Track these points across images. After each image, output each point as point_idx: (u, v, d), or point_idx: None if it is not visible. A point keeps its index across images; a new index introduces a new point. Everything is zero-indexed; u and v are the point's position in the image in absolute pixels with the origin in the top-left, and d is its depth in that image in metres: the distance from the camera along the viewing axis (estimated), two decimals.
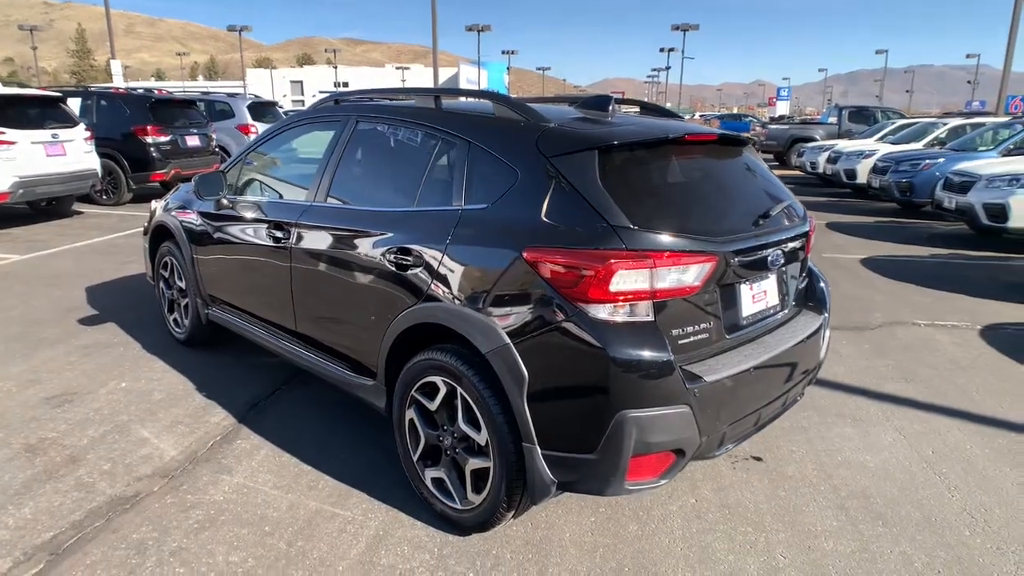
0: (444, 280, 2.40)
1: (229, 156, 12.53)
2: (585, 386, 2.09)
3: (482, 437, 2.35)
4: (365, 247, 2.75)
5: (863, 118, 19.15)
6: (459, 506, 2.51)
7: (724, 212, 2.46)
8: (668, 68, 57.75)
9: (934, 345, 4.82)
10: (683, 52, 49.07)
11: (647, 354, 2.05)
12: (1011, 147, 10.41)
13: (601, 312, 2.07)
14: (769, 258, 2.48)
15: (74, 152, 8.59)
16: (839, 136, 18.50)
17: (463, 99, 3.05)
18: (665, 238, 2.13)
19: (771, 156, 20.31)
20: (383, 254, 2.64)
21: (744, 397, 2.35)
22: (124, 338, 4.58)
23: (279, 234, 3.21)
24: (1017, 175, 8.22)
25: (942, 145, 12.80)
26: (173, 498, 2.74)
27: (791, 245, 2.62)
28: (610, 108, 2.72)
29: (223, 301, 3.89)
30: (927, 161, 10.91)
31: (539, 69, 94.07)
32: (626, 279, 2.05)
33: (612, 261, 2.04)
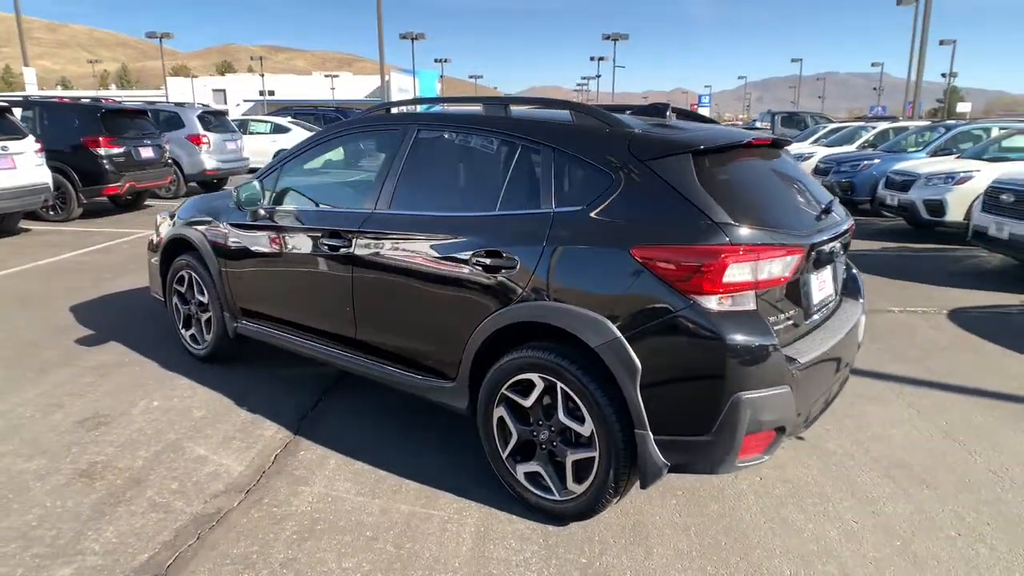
0: (544, 279, 2.49)
1: (181, 169, 12.16)
2: (701, 372, 2.23)
3: (586, 429, 2.45)
4: (445, 252, 2.81)
5: (794, 123, 20.27)
6: (558, 497, 2.60)
7: (795, 208, 2.66)
8: (599, 76, 59.15)
9: (914, 329, 5.23)
10: (614, 61, 50.45)
11: (757, 340, 2.22)
12: (938, 148, 11.32)
13: (713, 303, 2.22)
14: (831, 250, 2.70)
15: (25, 166, 8.12)
16: None
17: (521, 107, 3.15)
18: (763, 233, 2.31)
19: None
20: (469, 258, 2.70)
21: (821, 378, 2.56)
22: (134, 357, 4.41)
23: (336, 242, 3.21)
24: (952, 173, 8.98)
25: (872, 147, 13.77)
26: (258, 512, 2.71)
27: (845, 238, 2.86)
28: (668, 115, 2.89)
29: (258, 313, 3.83)
30: (865, 162, 11.71)
31: (471, 77, 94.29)
32: (736, 272, 2.22)
33: (724, 256, 2.19)
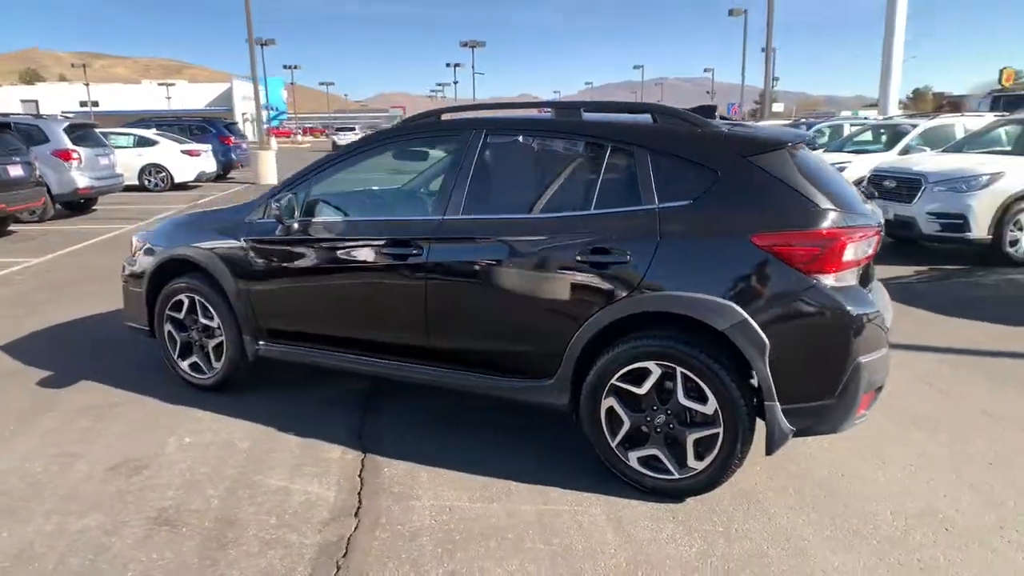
0: (662, 271, 2.65)
1: (49, 189, 10.76)
2: (827, 343, 2.50)
3: (709, 408, 2.64)
4: (544, 252, 2.87)
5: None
6: (676, 476, 2.76)
7: (854, 193, 3.02)
8: (456, 82, 59.76)
9: None
10: (473, 67, 51.13)
11: (868, 309, 2.53)
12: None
13: (831, 280, 2.50)
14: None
15: None
16: None
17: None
18: (856, 216, 2.62)
19: None
20: (574, 256, 2.79)
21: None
22: (123, 395, 3.97)
23: (404, 251, 3.15)
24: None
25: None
26: (384, 532, 2.62)
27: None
28: (716, 116, 3.16)
29: (291, 332, 3.63)
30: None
31: (322, 84, 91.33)
32: (849, 252, 2.51)
33: (843, 238, 2.48)
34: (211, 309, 3.80)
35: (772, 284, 2.52)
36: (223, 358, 3.86)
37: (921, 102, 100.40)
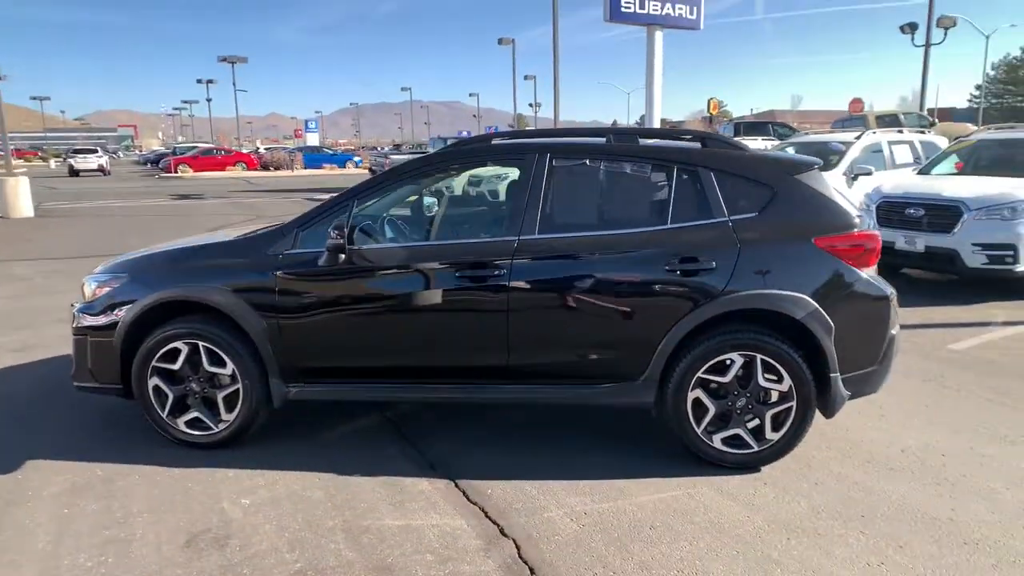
0: (744, 273, 3.10)
1: None
2: (873, 321, 3.17)
3: (784, 386, 3.16)
4: (632, 265, 3.17)
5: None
6: (756, 448, 3.23)
7: None
8: (210, 100, 55.07)
9: None
10: (235, 84, 47.70)
11: (891, 292, 3.24)
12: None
13: (871, 271, 3.17)
14: None
15: None
16: None
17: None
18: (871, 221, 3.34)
19: None
20: (663, 266, 3.13)
21: None
22: (108, 468, 3.34)
23: (483, 273, 3.20)
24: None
25: None
26: (549, 544, 2.70)
27: None
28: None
29: (336, 369, 3.41)
30: None
31: (34, 99, 77.63)
32: (879, 249, 3.20)
33: (877, 238, 3.16)
34: (223, 355, 3.40)
35: (832, 277, 3.12)
36: (238, 408, 3.46)
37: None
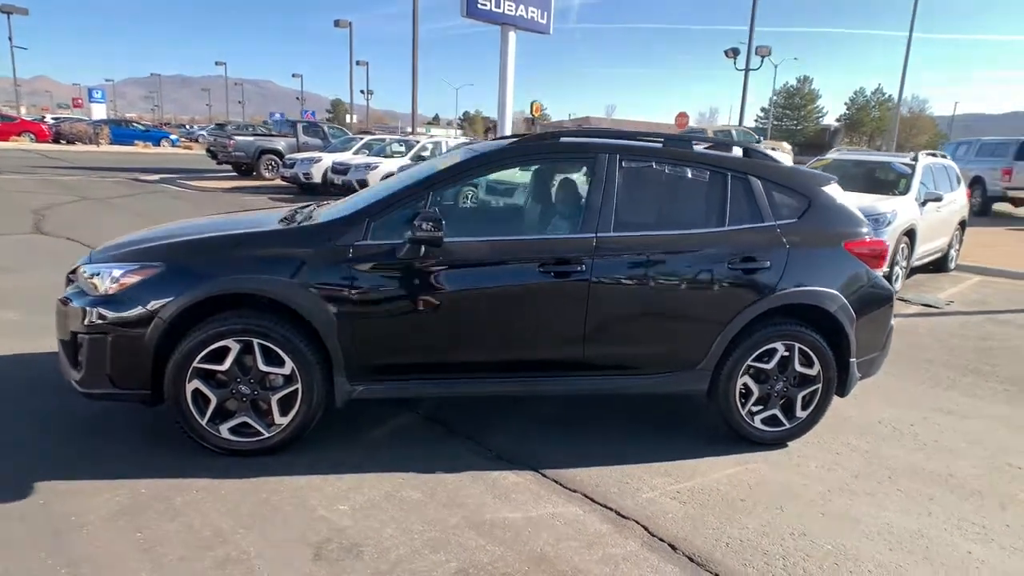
0: (793, 272, 3.52)
1: None
2: (882, 313, 3.75)
3: (814, 370, 3.65)
4: (699, 262, 3.45)
5: (315, 133, 21.54)
6: (788, 426, 3.69)
7: None
8: None
9: None
10: (11, 39, 40.57)
11: (893, 290, 3.86)
12: None
13: (881, 272, 3.76)
14: None
15: None
16: (298, 148, 20.37)
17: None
18: None
19: (226, 168, 20.64)
20: (726, 264, 3.45)
21: None
22: (150, 485, 2.92)
23: (567, 268, 3.30)
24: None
25: (421, 159, 16.44)
26: (676, 524, 2.89)
27: None
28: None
29: (408, 365, 3.30)
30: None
31: None
32: (886, 255, 3.81)
33: (885, 243, 3.75)
34: (282, 353, 3.13)
35: (854, 276, 3.65)
36: (296, 409, 3.21)
37: (473, 124, 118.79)
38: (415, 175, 3.65)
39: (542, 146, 3.56)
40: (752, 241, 3.54)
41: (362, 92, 55.05)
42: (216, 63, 69.94)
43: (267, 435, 3.21)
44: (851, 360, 3.68)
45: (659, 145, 3.69)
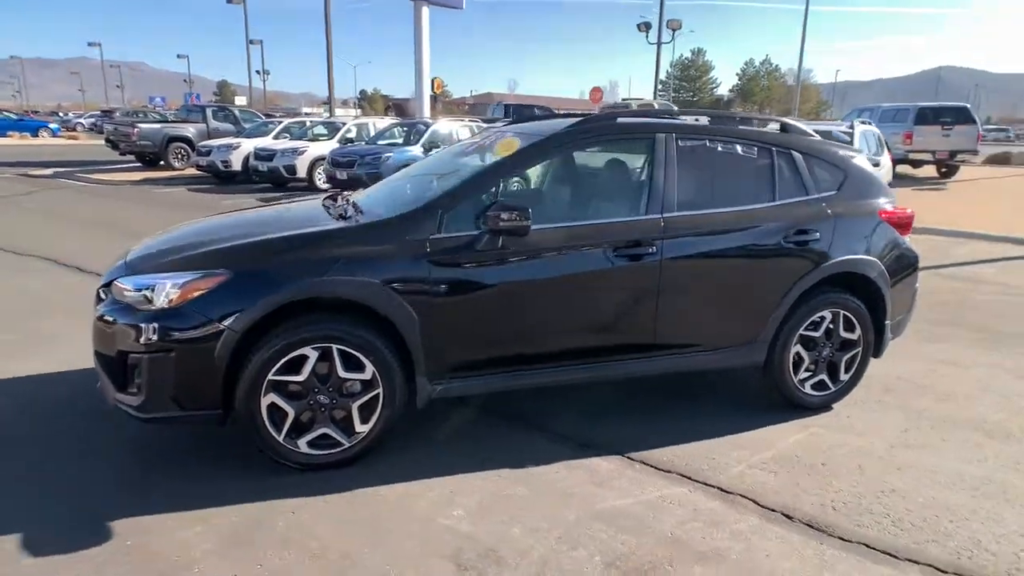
0: (839, 242, 3.67)
1: None
2: (909, 276, 3.97)
3: (856, 334, 3.84)
4: (758, 238, 3.53)
5: (226, 117, 20.27)
6: (834, 389, 3.87)
7: None
8: None
9: None
10: None
11: (918, 254, 4.09)
12: (429, 143, 14.29)
13: (909, 238, 3.97)
14: None
15: None
16: (209, 135, 19.12)
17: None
18: None
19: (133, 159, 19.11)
20: (782, 238, 3.55)
21: None
22: (238, 511, 2.69)
23: (640, 251, 3.29)
24: None
25: (348, 142, 15.87)
26: (781, 495, 2.98)
27: None
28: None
29: (486, 360, 3.20)
30: (385, 154, 13.73)
31: None
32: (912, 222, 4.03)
33: (913, 213, 3.98)
34: (363, 358, 2.96)
35: (890, 243, 3.84)
36: (376, 415, 3.05)
37: (372, 103, 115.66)
38: (465, 162, 3.52)
39: (603, 127, 3.50)
40: (802, 214, 3.65)
41: (258, 72, 52.14)
42: (89, 44, 64.18)
43: (347, 445, 3.04)
44: (886, 322, 3.90)
45: (707, 123, 3.73)
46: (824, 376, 3.82)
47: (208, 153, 16.54)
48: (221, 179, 16.89)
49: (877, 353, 3.97)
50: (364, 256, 2.97)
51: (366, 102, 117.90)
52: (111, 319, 2.88)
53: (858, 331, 3.80)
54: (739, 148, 3.68)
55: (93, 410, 3.46)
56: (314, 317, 2.92)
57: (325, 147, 15.61)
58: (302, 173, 15.22)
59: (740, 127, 3.81)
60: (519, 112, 25.42)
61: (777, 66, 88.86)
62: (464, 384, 3.21)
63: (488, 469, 3.10)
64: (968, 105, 17.51)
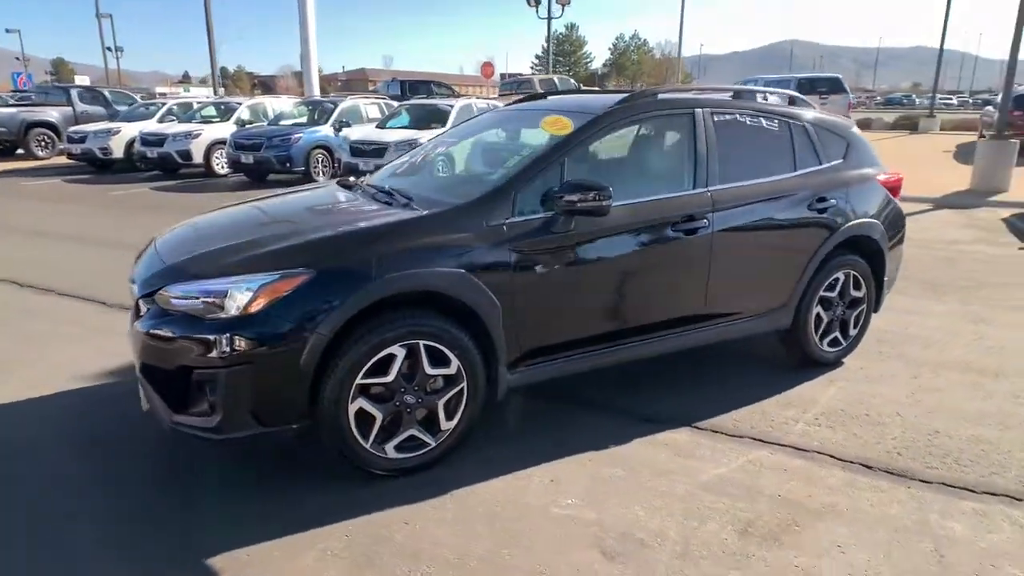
0: (851, 207, 3.91)
1: None
2: (902, 234, 4.30)
3: (862, 292, 4.13)
4: (787, 207, 3.69)
5: (95, 100, 18.27)
6: (844, 345, 4.15)
7: None
8: None
9: None
10: None
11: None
12: (340, 122, 13.62)
13: (898, 199, 4.30)
14: None
15: None
16: (76, 120, 17.19)
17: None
18: None
19: None
20: (806, 207, 3.74)
21: None
22: (349, 527, 2.49)
23: (695, 225, 3.35)
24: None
25: (244, 124, 14.81)
26: (851, 445, 3.17)
27: None
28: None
29: (556, 345, 3.15)
30: (295, 135, 12.95)
31: None
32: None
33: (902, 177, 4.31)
34: (448, 352, 2.82)
35: (887, 206, 4.14)
36: (461, 411, 2.92)
37: (237, 82, 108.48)
38: (499, 140, 3.42)
39: (649, 103, 3.49)
40: (820, 183, 3.85)
41: (109, 50, 47.23)
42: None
43: (433, 445, 2.89)
44: (885, 279, 4.22)
45: (728, 98, 3.83)
46: (837, 334, 4.09)
47: (82, 140, 14.88)
48: (99, 168, 15.30)
49: (876, 308, 4.29)
50: (447, 245, 2.80)
51: (231, 80, 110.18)
52: (168, 333, 2.54)
53: (863, 289, 4.09)
54: (763, 121, 3.81)
55: (117, 437, 3.06)
56: (399, 313, 2.73)
57: (221, 130, 14.50)
58: (198, 158, 14.08)
59: (760, 102, 3.94)
60: (415, 89, 24.90)
61: (646, 40, 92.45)
62: (540, 370, 3.13)
63: (572, 454, 3.07)
64: (840, 76, 19.09)
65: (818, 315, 3.95)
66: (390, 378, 2.72)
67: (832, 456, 3.08)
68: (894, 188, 4.25)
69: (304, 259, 2.61)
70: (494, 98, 15.94)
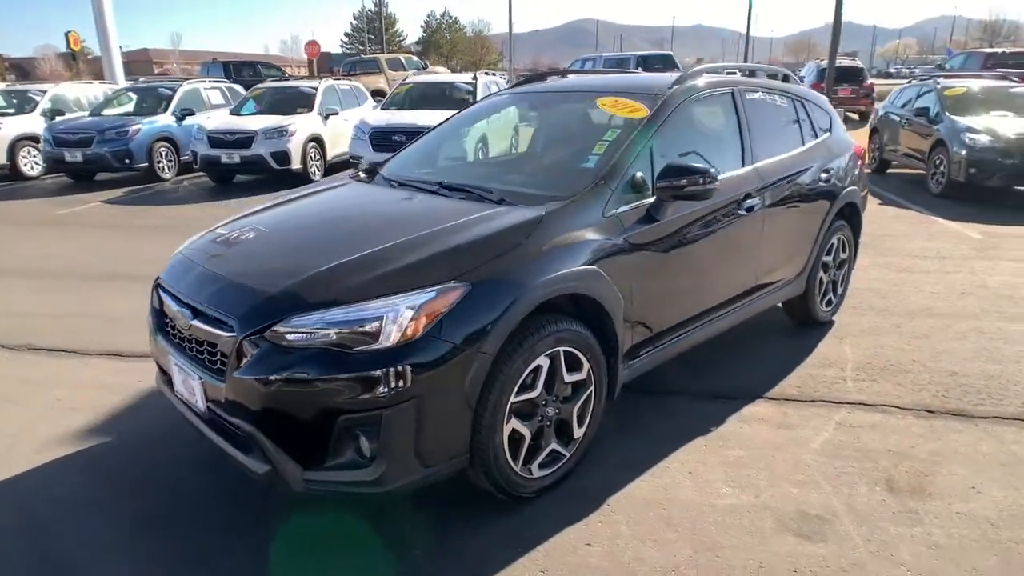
0: (845, 176, 4.24)
1: None
2: (866, 199, 4.75)
3: (847, 253, 4.52)
4: (807, 179, 3.91)
5: None
6: (836, 303, 4.54)
7: None
8: None
9: None
10: None
11: None
12: (182, 111, 12.08)
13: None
14: None
15: None
16: None
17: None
18: None
19: None
20: (819, 175, 3.99)
21: None
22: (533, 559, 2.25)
23: (753, 202, 3.44)
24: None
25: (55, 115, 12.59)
26: (893, 394, 3.45)
27: None
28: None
29: (656, 334, 3.07)
30: (132, 127, 11.24)
31: None
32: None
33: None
34: (581, 355, 2.64)
35: (861, 174, 4.54)
36: (589, 416, 2.76)
37: None
38: (555, 122, 3.33)
39: (703, 85, 3.45)
40: (823, 154, 4.13)
41: None
42: None
43: (567, 456, 2.70)
44: (859, 241, 4.66)
45: (739, 77, 3.95)
46: (831, 295, 4.45)
47: None
48: None
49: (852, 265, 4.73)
50: (576, 241, 2.58)
51: None
52: (304, 375, 2.08)
53: (848, 251, 4.49)
54: (777, 99, 3.98)
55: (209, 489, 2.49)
56: (543, 320, 2.48)
57: (25, 124, 12.21)
58: (1, 159, 11.73)
59: (769, 80, 4.11)
60: (239, 70, 22.82)
61: (456, 19, 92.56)
62: (644, 361, 3.04)
63: (686, 442, 3.03)
64: (671, 53, 20.56)
65: (821, 279, 4.26)
66: (536, 392, 2.48)
67: (896, 407, 3.34)
68: (861, 157, 4.68)
69: (451, 270, 2.27)
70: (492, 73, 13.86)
